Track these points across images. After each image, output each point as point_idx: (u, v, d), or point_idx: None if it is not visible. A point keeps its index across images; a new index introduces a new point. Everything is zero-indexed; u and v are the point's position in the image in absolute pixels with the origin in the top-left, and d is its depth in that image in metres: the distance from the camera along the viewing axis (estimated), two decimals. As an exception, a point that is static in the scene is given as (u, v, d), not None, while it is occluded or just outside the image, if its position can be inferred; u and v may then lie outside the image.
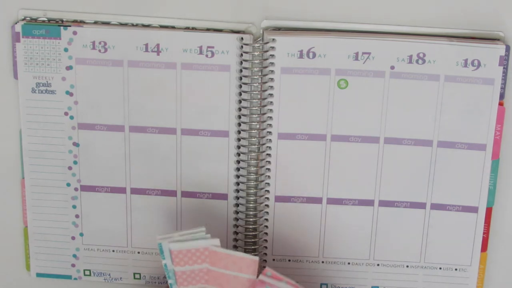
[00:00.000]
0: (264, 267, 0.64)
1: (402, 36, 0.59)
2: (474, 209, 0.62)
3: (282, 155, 0.62)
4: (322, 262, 0.64)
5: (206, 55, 0.60)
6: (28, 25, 0.61)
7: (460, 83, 0.59)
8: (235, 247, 0.64)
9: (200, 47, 0.60)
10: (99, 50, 0.61)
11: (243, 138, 0.62)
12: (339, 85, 0.60)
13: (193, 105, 0.61)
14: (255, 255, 0.64)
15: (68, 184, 0.64)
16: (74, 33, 0.60)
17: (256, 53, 0.60)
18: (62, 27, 0.61)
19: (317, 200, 0.63)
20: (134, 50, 0.60)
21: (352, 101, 0.60)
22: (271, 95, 0.61)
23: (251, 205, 0.63)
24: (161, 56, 0.60)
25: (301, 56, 0.60)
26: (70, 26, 0.61)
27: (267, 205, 0.63)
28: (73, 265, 0.66)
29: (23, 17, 0.61)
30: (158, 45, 0.60)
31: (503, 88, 0.60)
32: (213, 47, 0.60)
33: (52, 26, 0.61)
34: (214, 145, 0.62)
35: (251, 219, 0.63)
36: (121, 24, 0.61)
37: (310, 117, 0.61)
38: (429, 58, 0.59)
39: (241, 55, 0.60)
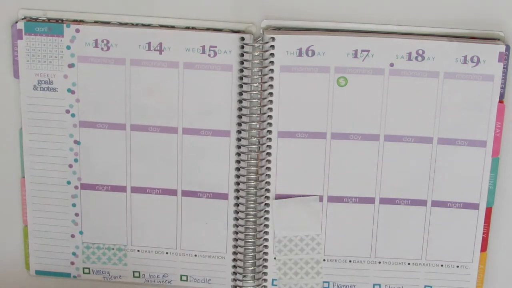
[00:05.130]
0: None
1: (402, 34, 0.62)
2: (475, 206, 0.64)
3: (282, 153, 0.64)
4: (324, 260, 0.67)
5: (209, 55, 0.63)
6: (31, 22, 0.64)
7: (459, 79, 0.62)
8: (235, 247, 0.67)
9: (203, 47, 0.63)
10: (102, 48, 0.63)
11: (243, 138, 0.64)
12: (338, 82, 0.63)
13: (194, 105, 0.64)
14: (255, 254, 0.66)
15: (69, 182, 0.66)
16: (77, 31, 0.63)
17: (256, 53, 0.63)
18: (65, 25, 0.63)
19: (318, 199, 0.65)
20: (136, 48, 0.63)
21: (351, 98, 0.63)
22: (270, 94, 0.63)
23: (251, 205, 0.65)
24: (163, 55, 0.63)
25: (300, 54, 0.62)
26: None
27: (267, 204, 0.66)
28: (72, 263, 0.68)
29: (23, 17, 0.64)
30: (160, 44, 0.63)
31: (503, 88, 0.63)
32: (215, 47, 0.63)
33: (54, 24, 0.63)
34: (215, 145, 0.65)
35: (251, 219, 0.66)
36: (121, 24, 0.64)
37: (309, 115, 0.63)
38: (428, 55, 0.61)
39: (242, 55, 0.63)
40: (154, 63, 0.63)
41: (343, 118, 0.63)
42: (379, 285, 0.67)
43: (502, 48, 0.61)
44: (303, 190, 0.65)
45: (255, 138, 0.64)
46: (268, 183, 0.65)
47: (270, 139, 0.64)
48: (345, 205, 0.65)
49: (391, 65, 0.62)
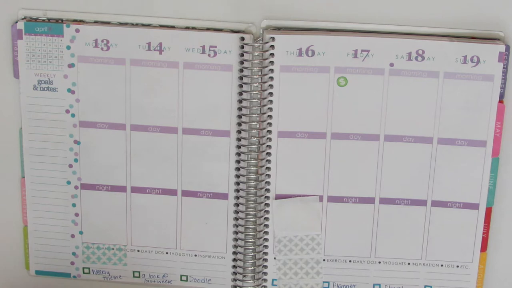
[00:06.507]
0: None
1: (402, 34, 0.62)
2: (475, 206, 0.64)
3: (282, 153, 0.65)
4: (324, 260, 0.67)
5: (209, 55, 0.63)
6: (31, 22, 0.64)
7: (459, 79, 0.62)
8: (235, 247, 0.67)
9: (203, 47, 0.63)
10: (102, 48, 0.63)
11: (243, 138, 0.65)
12: (338, 82, 0.63)
13: (194, 105, 0.64)
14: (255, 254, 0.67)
15: (69, 182, 0.67)
16: (77, 30, 0.63)
17: (256, 53, 0.63)
18: (64, 25, 0.64)
19: (318, 199, 0.65)
20: (136, 48, 0.63)
21: (351, 98, 0.63)
22: (271, 94, 0.64)
23: (251, 205, 0.66)
24: (163, 55, 0.63)
25: (300, 54, 0.62)
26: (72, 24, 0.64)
27: (267, 204, 0.66)
28: (72, 263, 0.69)
29: (23, 17, 0.64)
30: (160, 44, 0.63)
31: (503, 88, 0.63)
32: (215, 47, 0.63)
33: (54, 24, 0.64)
34: (215, 145, 0.65)
35: (251, 219, 0.66)
36: (121, 24, 0.64)
37: (310, 115, 0.64)
38: (428, 55, 0.62)
39: (242, 55, 0.63)
40: (154, 63, 0.63)
41: (343, 118, 0.63)
42: (379, 285, 0.67)
43: (502, 48, 0.61)
44: (303, 190, 0.65)
45: (255, 138, 0.64)
46: (268, 183, 0.65)
47: (270, 139, 0.64)
48: (345, 205, 0.65)
49: (391, 65, 0.62)
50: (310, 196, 0.65)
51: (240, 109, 0.64)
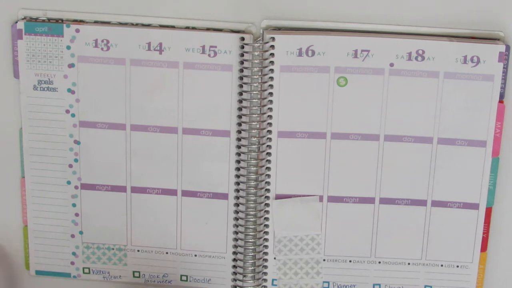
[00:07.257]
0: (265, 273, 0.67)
1: (402, 34, 0.62)
2: (475, 206, 0.64)
3: (282, 153, 0.65)
4: (324, 260, 0.67)
5: (209, 55, 0.63)
6: (31, 22, 0.64)
7: (459, 79, 0.62)
8: (235, 247, 0.67)
9: (203, 47, 0.63)
10: (102, 48, 0.64)
11: (243, 138, 0.65)
12: (338, 82, 0.63)
13: (194, 105, 0.64)
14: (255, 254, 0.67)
15: (69, 182, 0.67)
16: (77, 31, 0.63)
17: (256, 53, 0.63)
18: (65, 25, 0.64)
19: (318, 199, 0.65)
20: (136, 48, 0.63)
21: (351, 98, 0.63)
22: (271, 94, 0.64)
23: (251, 205, 0.66)
24: (163, 55, 0.63)
25: (300, 54, 0.63)
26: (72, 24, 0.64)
27: (267, 204, 0.66)
28: (72, 263, 0.69)
29: (23, 17, 0.64)
30: (160, 44, 0.63)
31: (503, 88, 0.63)
32: (215, 47, 0.63)
33: (54, 24, 0.64)
34: (215, 145, 0.65)
35: (251, 219, 0.66)
36: (121, 24, 0.64)
37: (310, 115, 0.64)
38: (428, 55, 0.62)
39: (242, 55, 0.63)
40: (154, 63, 0.63)
41: (343, 118, 0.63)
42: (379, 285, 0.67)
43: (502, 48, 0.61)
44: (303, 190, 0.65)
45: (255, 138, 0.64)
46: (268, 183, 0.65)
47: (270, 139, 0.64)
48: (345, 205, 0.65)
49: (391, 65, 0.62)
50: (310, 196, 0.65)
51: (240, 109, 0.64)
